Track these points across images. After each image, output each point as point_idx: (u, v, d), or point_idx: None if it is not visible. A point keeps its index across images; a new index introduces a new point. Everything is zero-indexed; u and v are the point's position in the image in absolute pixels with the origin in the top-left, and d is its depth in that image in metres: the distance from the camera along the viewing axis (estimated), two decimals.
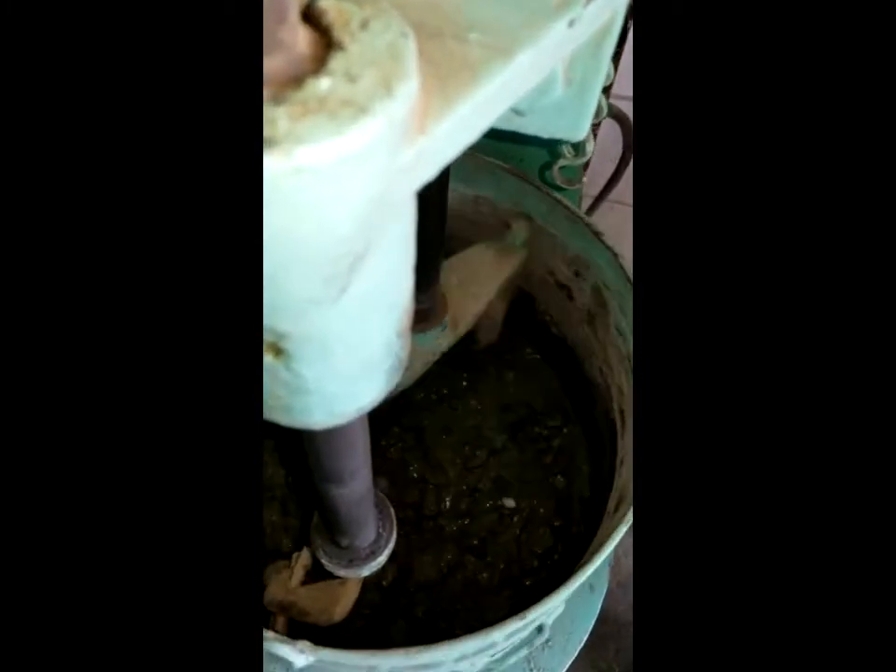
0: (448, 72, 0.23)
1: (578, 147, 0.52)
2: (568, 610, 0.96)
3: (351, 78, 0.19)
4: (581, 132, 0.36)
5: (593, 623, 0.96)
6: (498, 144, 0.59)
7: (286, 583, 0.64)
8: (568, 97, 0.34)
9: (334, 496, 0.44)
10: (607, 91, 0.84)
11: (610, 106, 0.81)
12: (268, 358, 0.24)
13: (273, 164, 0.17)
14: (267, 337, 0.23)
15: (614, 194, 1.01)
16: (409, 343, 0.31)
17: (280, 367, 0.25)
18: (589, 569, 0.50)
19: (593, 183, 1.02)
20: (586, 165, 0.94)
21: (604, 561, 1.01)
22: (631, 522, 0.52)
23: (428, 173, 0.22)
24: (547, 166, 0.59)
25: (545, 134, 0.36)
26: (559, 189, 0.58)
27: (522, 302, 0.84)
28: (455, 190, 0.77)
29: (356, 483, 0.43)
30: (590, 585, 0.98)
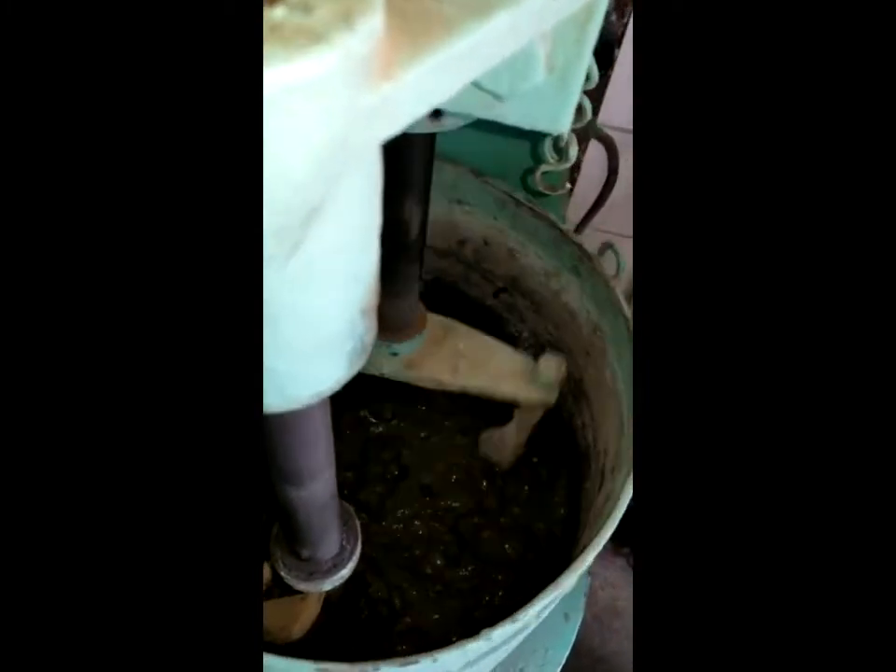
0: (421, 26, 0.22)
1: (561, 152, 0.51)
2: (542, 641, 0.93)
3: (307, 9, 0.17)
4: (562, 123, 0.35)
5: (567, 653, 0.93)
6: (480, 150, 0.59)
7: None
8: (550, 84, 0.33)
9: (293, 498, 0.41)
10: (596, 110, 0.84)
11: (597, 128, 0.81)
12: None
13: None
14: None
15: (597, 221, 1.01)
16: (374, 325, 0.29)
17: None
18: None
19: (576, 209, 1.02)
20: (573, 184, 0.94)
21: (579, 585, 0.98)
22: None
23: (393, 126, 0.21)
24: (530, 171, 0.58)
25: (526, 125, 0.35)
26: (542, 195, 0.57)
27: None
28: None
29: (316, 486, 0.41)
30: (565, 614, 0.95)
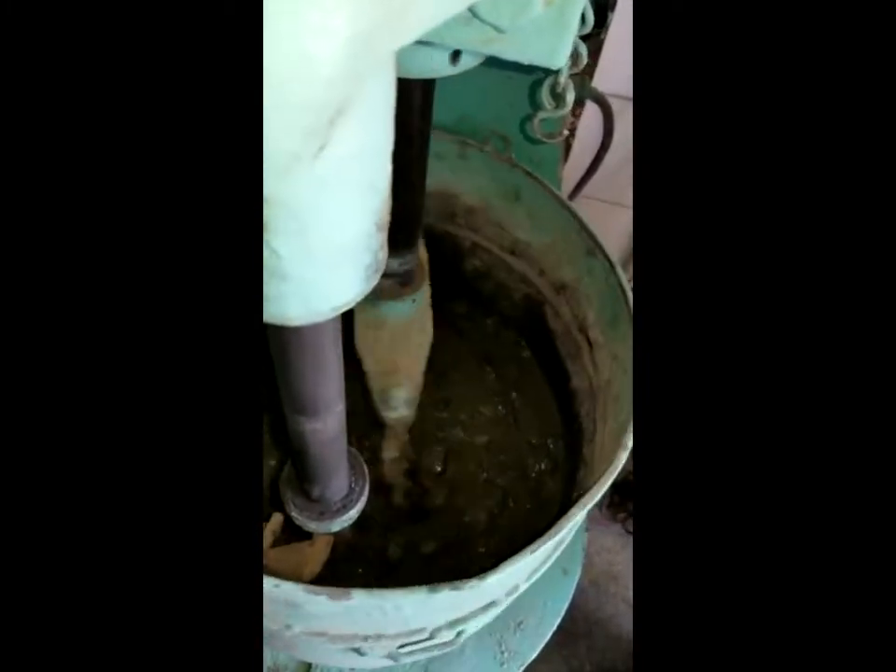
0: None
1: (558, 98, 0.53)
2: (541, 595, 0.96)
3: None
4: (559, 58, 0.36)
5: (565, 606, 0.96)
6: (479, 100, 0.60)
7: None
8: (548, 19, 0.34)
9: (305, 432, 0.43)
10: (591, 73, 0.85)
11: (592, 89, 0.83)
12: None
13: None
14: None
15: (590, 189, 1.02)
16: (386, 246, 0.31)
17: None
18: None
19: (571, 177, 1.04)
20: (568, 150, 0.96)
21: (578, 541, 1.00)
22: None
23: (409, 33, 0.22)
24: (527, 118, 0.59)
25: (524, 59, 0.36)
26: (539, 142, 0.59)
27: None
28: None
29: (329, 419, 0.43)
30: (563, 569, 0.98)
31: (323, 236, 0.25)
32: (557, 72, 0.51)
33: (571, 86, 0.50)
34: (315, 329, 0.33)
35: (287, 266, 0.26)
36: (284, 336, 0.34)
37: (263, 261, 0.25)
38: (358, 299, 0.30)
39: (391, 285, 0.67)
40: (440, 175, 0.74)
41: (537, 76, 0.55)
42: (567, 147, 1.00)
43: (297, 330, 0.33)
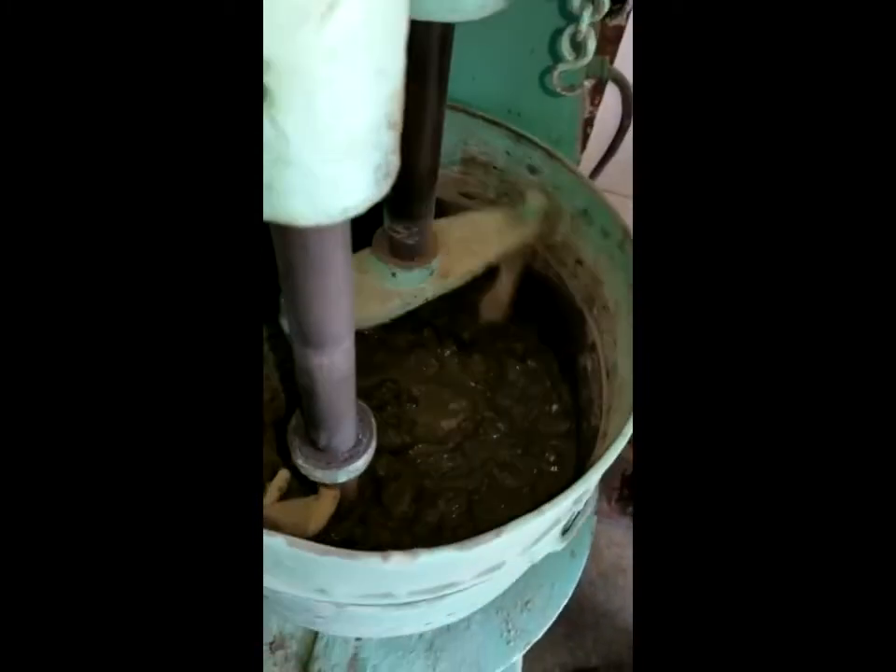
0: None
1: (578, 48, 0.52)
2: (549, 576, 0.95)
3: None
4: None
5: (572, 589, 0.94)
6: (497, 51, 0.59)
7: None
8: None
9: (312, 367, 0.42)
10: (612, 58, 0.84)
11: (612, 69, 0.82)
12: None
13: None
14: None
15: (605, 182, 1.01)
16: (398, 153, 0.30)
17: (265, 122, 0.24)
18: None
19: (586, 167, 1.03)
20: (585, 138, 0.95)
21: (587, 526, 0.99)
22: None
23: None
24: (547, 71, 0.59)
25: None
26: (558, 95, 0.58)
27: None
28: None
29: (336, 355, 0.42)
30: (571, 551, 0.97)
31: (332, 117, 0.25)
32: (578, 20, 0.50)
33: (593, 34, 0.49)
34: (321, 239, 0.33)
35: (293, 150, 0.25)
36: (289, 248, 0.33)
37: (265, 142, 0.25)
38: (368, 204, 0.30)
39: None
40: None
41: (557, 25, 0.54)
42: (585, 137, 0.99)
43: (303, 240, 0.32)
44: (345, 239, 0.34)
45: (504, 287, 0.81)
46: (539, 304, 0.84)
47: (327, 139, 0.25)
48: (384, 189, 0.30)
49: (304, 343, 0.41)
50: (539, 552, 0.57)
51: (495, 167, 0.76)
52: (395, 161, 0.30)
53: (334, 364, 0.43)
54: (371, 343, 0.86)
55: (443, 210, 0.81)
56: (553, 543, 0.58)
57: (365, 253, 0.68)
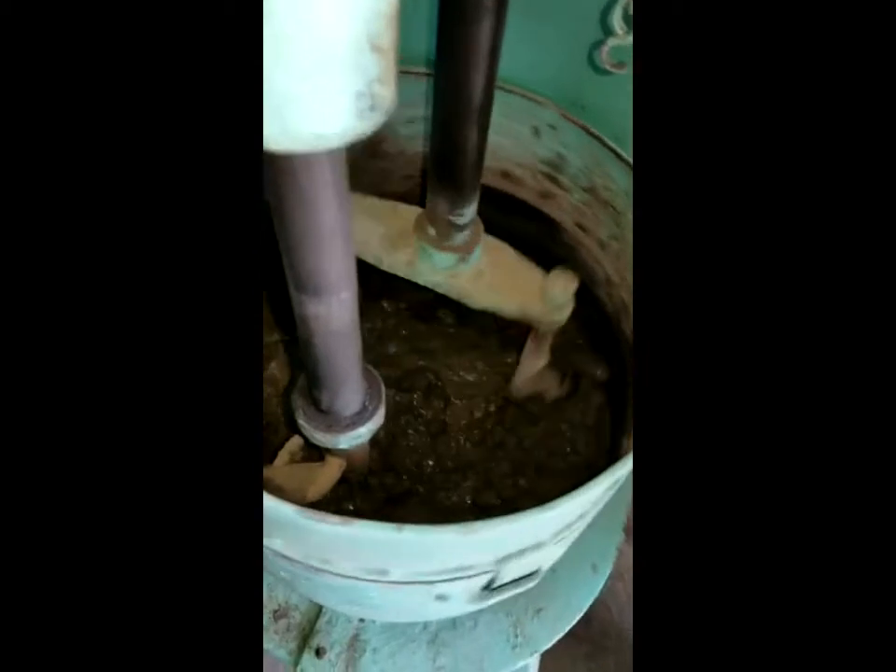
0: None
1: (631, 22, 0.49)
2: (566, 584, 0.91)
3: None
4: None
5: (589, 604, 0.90)
6: (543, 27, 0.57)
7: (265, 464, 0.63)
8: None
9: (308, 317, 0.42)
10: None
11: None
12: None
13: None
14: None
15: None
16: (390, 84, 0.28)
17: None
18: None
19: None
20: None
21: (612, 538, 0.95)
22: None
23: None
24: (595, 46, 0.56)
25: None
26: (607, 73, 0.56)
27: None
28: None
29: (333, 305, 0.41)
30: (593, 565, 0.93)
31: (297, 24, 0.23)
32: None
33: None
34: (307, 169, 0.32)
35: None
36: (275, 179, 0.32)
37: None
38: (349, 136, 0.28)
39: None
40: None
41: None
42: None
43: (290, 171, 0.31)
44: (335, 177, 0.33)
45: (527, 361, 0.75)
46: None
47: (291, 49, 0.24)
48: (368, 123, 0.29)
49: (298, 288, 0.40)
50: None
51: (613, 207, 0.70)
52: (384, 94, 0.29)
53: (332, 315, 0.42)
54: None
55: (556, 236, 0.79)
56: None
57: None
